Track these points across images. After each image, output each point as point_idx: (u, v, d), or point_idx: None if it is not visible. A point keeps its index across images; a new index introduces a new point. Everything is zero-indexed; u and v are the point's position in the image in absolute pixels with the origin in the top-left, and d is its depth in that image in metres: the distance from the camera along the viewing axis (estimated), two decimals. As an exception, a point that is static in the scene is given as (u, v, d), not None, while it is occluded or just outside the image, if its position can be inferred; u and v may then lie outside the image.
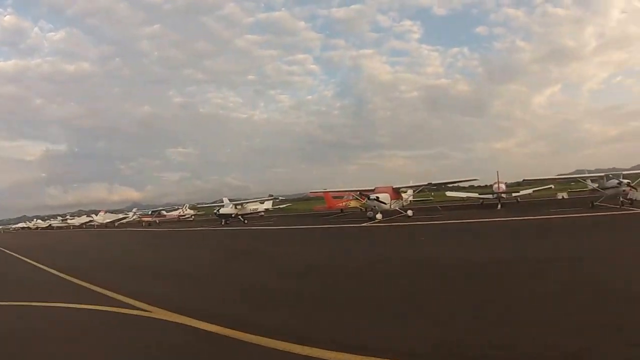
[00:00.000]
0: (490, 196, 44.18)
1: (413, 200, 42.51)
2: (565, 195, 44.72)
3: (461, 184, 46.77)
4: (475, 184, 65.97)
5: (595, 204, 30.78)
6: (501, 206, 39.50)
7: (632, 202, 29.20)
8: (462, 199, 49.92)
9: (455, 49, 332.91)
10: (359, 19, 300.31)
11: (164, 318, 7.59)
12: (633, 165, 42.47)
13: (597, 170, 40.47)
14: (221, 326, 6.63)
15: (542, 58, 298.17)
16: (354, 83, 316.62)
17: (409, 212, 32.66)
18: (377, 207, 31.73)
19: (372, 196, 31.75)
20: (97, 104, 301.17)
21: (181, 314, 7.60)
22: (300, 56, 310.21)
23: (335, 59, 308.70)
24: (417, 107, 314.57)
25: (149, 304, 8.63)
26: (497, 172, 42.68)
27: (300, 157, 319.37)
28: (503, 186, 43.74)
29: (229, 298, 9.53)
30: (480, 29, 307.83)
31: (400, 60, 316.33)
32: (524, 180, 40.93)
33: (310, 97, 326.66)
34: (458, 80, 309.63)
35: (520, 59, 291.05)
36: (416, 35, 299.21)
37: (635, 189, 29.86)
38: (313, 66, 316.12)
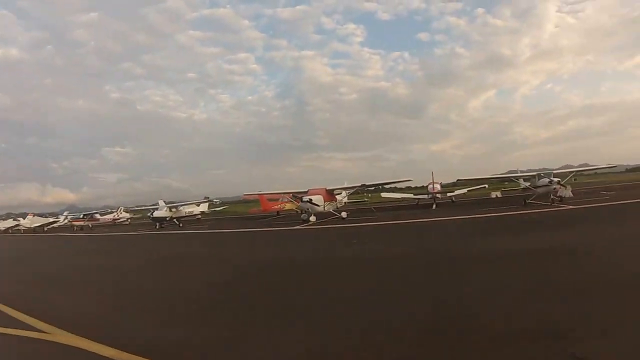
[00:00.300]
0: (425, 196, 45.18)
1: (348, 202, 42.41)
2: (498, 194, 46.46)
3: (397, 185, 47.28)
4: (412, 184, 67.46)
5: (527, 201, 32.64)
6: (436, 206, 40.49)
7: (562, 199, 31.06)
8: (398, 199, 50.50)
9: (397, 53, 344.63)
10: (303, 20, 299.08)
11: (63, 341, 6.86)
12: (561, 165, 45.43)
13: (528, 171, 42.47)
14: (120, 350, 6.12)
15: (480, 65, 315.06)
16: (295, 84, 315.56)
17: (343, 214, 32.82)
18: (310, 210, 31.57)
19: (305, 198, 31.63)
20: (27, 95, 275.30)
21: (83, 336, 6.89)
22: (242, 55, 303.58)
23: (277, 60, 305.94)
24: (357, 110, 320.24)
25: (50, 324, 7.81)
26: (432, 172, 43.84)
27: (240, 158, 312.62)
28: (438, 186, 45.02)
29: (140, 311, 9.02)
30: (422, 35, 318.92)
31: (342, 63, 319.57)
32: (458, 180, 42.29)
33: (250, 97, 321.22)
34: (398, 84, 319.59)
35: (458, 64, 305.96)
36: (359, 39, 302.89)
37: (565, 187, 31.86)
38: (254, 66, 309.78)
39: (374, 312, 7.40)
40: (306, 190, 33.70)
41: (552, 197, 31.35)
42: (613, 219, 20.66)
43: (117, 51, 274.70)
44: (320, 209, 32.00)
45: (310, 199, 31.43)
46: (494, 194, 46.92)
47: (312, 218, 31.20)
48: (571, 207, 27.39)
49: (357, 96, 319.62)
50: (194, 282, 12.31)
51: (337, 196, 36.62)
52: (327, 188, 34.49)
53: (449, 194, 46.93)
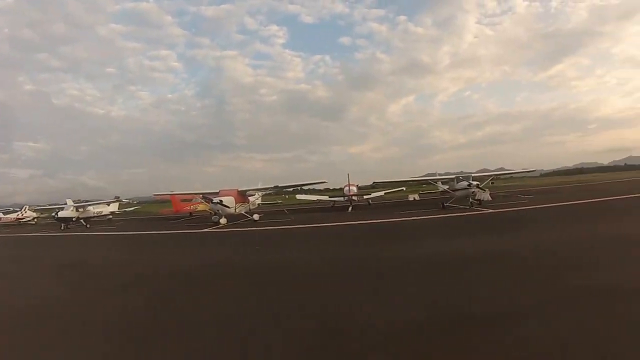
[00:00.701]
0: (341, 199, 43.16)
1: (262, 204, 39.74)
2: (416, 197, 45.33)
3: (315, 187, 46.67)
4: (331, 186, 65.69)
5: (446, 204, 30.70)
6: (352, 209, 38.54)
7: (481, 202, 30.27)
8: (314, 201, 48.11)
9: (318, 56, 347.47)
10: (227, 19, 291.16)
11: None
12: (478, 169, 44.64)
13: (446, 174, 41.50)
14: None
15: (400, 70, 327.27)
16: (216, 83, 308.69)
17: (255, 216, 30.96)
18: (221, 211, 29.70)
19: (216, 200, 29.78)
20: None
21: None
22: (164, 52, 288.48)
23: (198, 58, 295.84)
24: (277, 111, 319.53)
25: None
26: (348, 174, 42.74)
27: (159, 157, 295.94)
28: (354, 189, 43.24)
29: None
30: (344, 39, 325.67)
31: (263, 64, 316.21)
32: (374, 183, 40.30)
33: (171, 95, 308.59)
34: (318, 87, 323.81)
35: (379, 69, 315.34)
36: (281, 40, 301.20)
37: (483, 190, 30.57)
38: (176, 63, 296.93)
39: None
40: (217, 191, 31.75)
41: (470, 200, 29.69)
42: (534, 223, 19.25)
43: (33, 41, 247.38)
44: (232, 210, 30.28)
45: (221, 201, 29.67)
46: (411, 197, 45.94)
47: (223, 220, 29.31)
48: (490, 210, 25.97)
49: (278, 97, 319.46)
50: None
51: (250, 197, 34.42)
52: (239, 189, 32.54)
53: (365, 197, 44.61)
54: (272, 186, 34.96)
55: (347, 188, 42.40)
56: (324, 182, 34.32)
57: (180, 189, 41.04)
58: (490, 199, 33.59)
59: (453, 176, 33.34)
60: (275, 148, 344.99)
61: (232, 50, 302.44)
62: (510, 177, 65.56)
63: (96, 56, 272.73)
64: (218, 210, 29.81)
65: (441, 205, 30.73)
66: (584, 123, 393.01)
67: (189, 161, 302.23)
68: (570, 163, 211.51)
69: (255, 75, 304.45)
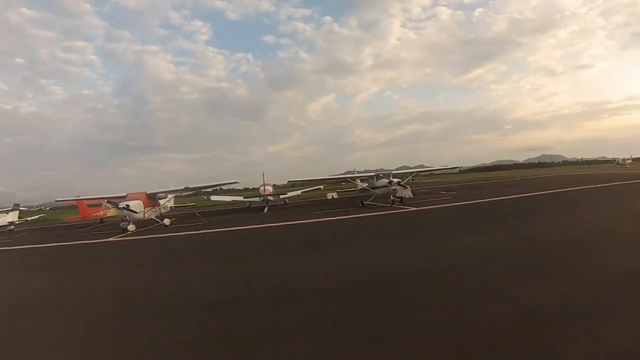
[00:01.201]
0: (257, 199, 40.22)
1: (175, 207, 36.04)
2: (335, 195, 42.90)
3: (233, 187, 43.50)
4: (250, 186, 62.47)
5: (365, 203, 28.43)
6: (268, 209, 35.76)
7: (402, 200, 28.23)
8: (229, 202, 45.07)
9: (241, 54, 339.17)
10: (149, 12, 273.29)
11: None
12: (398, 166, 42.73)
13: (366, 171, 39.66)
14: None
15: (322, 70, 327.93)
16: (135, 80, 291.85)
17: (166, 221, 27.89)
18: (128, 217, 26.68)
19: (122, 204, 26.56)
20: None
21: None
22: (80, 43, 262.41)
23: (118, 52, 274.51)
24: (197, 110, 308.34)
25: None
26: (263, 173, 40.08)
27: (74, 159, 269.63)
28: (270, 188, 40.68)
29: None
30: (269, 38, 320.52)
31: (185, 61, 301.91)
32: (288, 181, 37.12)
33: (87, 91, 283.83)
34: (239, 85, 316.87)
35: (301, 69, 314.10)
36: (205, 37, 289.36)
37: (405, 187, 28.62)
38: (93, 57, 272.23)
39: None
40: (125, 194, 28.60)
41: (392, 198, 27.43)
42: (461, 223, 16.94)
43: None
44: (140, 215, 27.27)
45: (127, 205, 26.45)
46: (330, 195, 43.35)
47: (131, 227, 26.29)
48: (413, 208, 23.68)
49: (199, 96, 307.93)
50: None
51: (160, 201, 30.68)
52: (148, 192, 29.09)
53: (281, 196, 41.74)
54: (183, 187, 31.39)
55: (262, 188, 39.79)
56: (236, 182, 30.88)
57: (96, 192, 35.54)
58: (411, 195, 32.19)
59: (372, 174, 30.59)
60: (195, 148, 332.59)
61: (154, 45, 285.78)
62: (431, 173, 64.68)
63: (3, 44, 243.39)
64: (125, 216, 26.76)
65: (360, 204, 28.37)
66: (502, 124, 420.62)
67: (106, 163, 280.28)
68: (488, 160, 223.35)
69: (177, 73, 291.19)
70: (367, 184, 31.42)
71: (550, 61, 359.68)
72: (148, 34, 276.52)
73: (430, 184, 58.55)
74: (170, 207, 33.69)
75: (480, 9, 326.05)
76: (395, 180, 27.08)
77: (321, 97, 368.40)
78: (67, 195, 39.43)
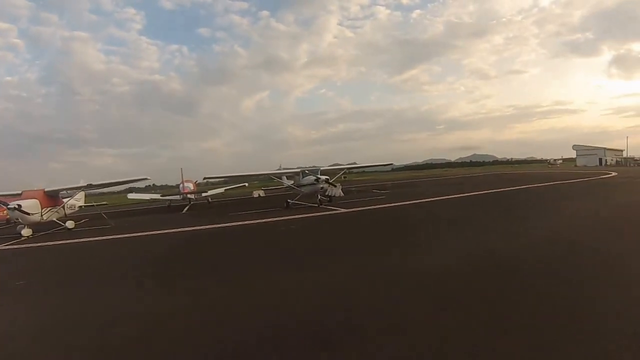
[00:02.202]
0: (178, 197, 36.44)
1: (85, 207, 30.84)
2: (261, 193, 39.32)
3: (147, 184, 40.11)
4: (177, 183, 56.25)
5: (291, 202, 25.16)
6: (189, 209, 32.49)
7: (331, 199, 25.85)
8: (147, 201, 40.93)
9: (175, 46, 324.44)
10: None
11: None
12: (331, 164, 39.85)
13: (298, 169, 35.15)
14: None
15: (256, 65, 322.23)
16: (63, 68, 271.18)
17: (69, 224, 23.79)
18: (21, 220, 22.21)
19: (12, 204, 22.00)
20: None
21: None
22: (3, 25, 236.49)
23: (44, 37, 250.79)
24: (129, 103, 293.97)
25: None
26: (181, 169, 35.64)
27: None
28: (190, 186, 36.66)
29: None
30: (204, 30, 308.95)
31: (117, 50, 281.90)
32: (204, 178, 33.20)
33: (10, 78, 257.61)
34: (172, 78, 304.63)
35: (235, 64, 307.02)
36: (138, 26, 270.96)
37: (335, 185, 25.89)
38: (17, 40, 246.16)
39: None
40: (20, 192, 23.87)
41: (319, 197, 24.36)
42: (394, 228, 14.37)
43: None
44: (36, 218, 22.59)
45: (19, 205, 21.80)
46: (256, 194, 40.30)
47: (26, 231, 21.91)
48: (342, 210, 20.83)
49: (130, 88, 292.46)
50: None
51: (65, 200, 25.97)
52: (46, 189, 24.29)
53: (203, 194, 38.04)
54: (85, 185, 26.43)
55: (181, 185, 35.66)
56: (147, 178, 26.10)
57: (19, 188, 29.27)
58: (342, 194, 29.71)
59: (297, 169, 27.23)
60: (126, 143, 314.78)
61: (84, 31, 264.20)
62: (363, 171, 62.54)
63: None
64: (17, 219, 22.32)
65: (285, 205, 25.03)
66: (434, 123, 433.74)
67: (30, 156, 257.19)
68: (420, 159, 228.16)
69: (107, 63, 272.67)
70: (293, 182, 28.25)
71: (484, 65, 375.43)
72: (77, 19, 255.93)
73: (362, 182, 56.20)
74: (80, 206, 29.37)
75: (418, 11, 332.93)
76: (323, 177, 23.96)
77: (255, 94, 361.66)
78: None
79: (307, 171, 25.65)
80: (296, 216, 19.31)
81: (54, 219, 24.28)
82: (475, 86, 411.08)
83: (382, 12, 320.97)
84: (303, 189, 25.33)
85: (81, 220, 24.87)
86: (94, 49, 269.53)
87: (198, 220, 21.88)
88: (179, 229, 18.30)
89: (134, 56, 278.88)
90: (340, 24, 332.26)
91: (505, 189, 27.30)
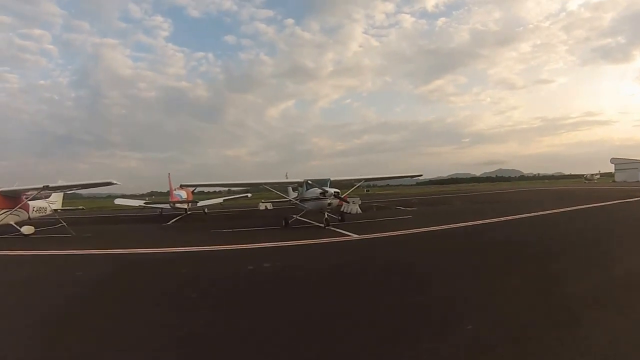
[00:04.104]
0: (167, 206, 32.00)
1: (61, 210, 27.02)
2: (269, 205, 34.28)
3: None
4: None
5: (291, 221, 20.00)
6: (178, 220, 27.95)
7: (343, 217, 20.99)
8: (135, 208, 37.00)
9: (201, 54, 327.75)
10: (109, 3, 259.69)
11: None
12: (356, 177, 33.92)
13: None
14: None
15: (282, 74, 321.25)
16: (92, 73, 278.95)
17: (25, 229, 20.39)
18: None
19: None
20: None
21: None
22: (38, 31, 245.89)
23: (76, 43, 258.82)
24: (155, 108, 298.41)
25: None
26: (169, 174, 31.61)
27: (26, 150, 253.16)
28: (183, 194, 31.78)
29: None
30: (229, 38, 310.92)
31: (144, 57, 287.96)
32: (180, 186, 29.36)
33: (43, 81, 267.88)
34: (198, 85, 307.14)
35: (261, 71, 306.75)
36: (165, 33, 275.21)
37: (346, 201, 21.11)
38: (51, 46, 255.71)
39: None
40: None
41: (326, 216, 18.70)
42: (434, 279, 8.24)
43: None
44: None
45: None
46: (263, 206, 34.53)
47: None
48: (353, 236, 15.03)
49: (156, 94, 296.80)
50: None
51: (31, 202, 22.88)
52: (2, 189, 21.46)
53: (199, 204, 33.12)
54: (42, 186, 22.50)
55: (175, 192, 31.25)
56: (113, 183, 20.91)
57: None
58: (360, 211, 24.71)
59: (300, 180, 21.64)
60: (151, 147, 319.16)
61: (113, 38, 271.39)
62: (387, 184, 56.65)
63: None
64: None
65: (283, 223, 19.76)
66: (459, 136, 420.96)
67: (59, 156, 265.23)
68: (445, 173, 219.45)
69: (135, 68, 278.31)
70: (297, 194, 23.03)
71: (511, 74, 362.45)
72: (107, 27, 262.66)
73: (385, 196, 50.50)
74: (55, 209, 25.63)
75: (443, 19, 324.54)
76: (332, 191, 18.48)
77: (280, 102, 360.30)
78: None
79: (310, 182, 20.22)
80: (287, 243, 13.80)
81: (12, 223, 21.01)
82: (501, 97, 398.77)
83: (408, 20, 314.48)
84: (306, 205, 19.99)
85: (58, 225, 21.34)
86: (122, 55, 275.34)
87: (165, 238, 18.06)
88: (125, 251, 13.67)
89: (161, 62, 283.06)
90: (365, 32, 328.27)
91: (568, 209, 21.36)
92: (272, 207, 33.34)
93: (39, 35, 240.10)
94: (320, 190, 18.59)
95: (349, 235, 14.97)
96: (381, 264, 10.28)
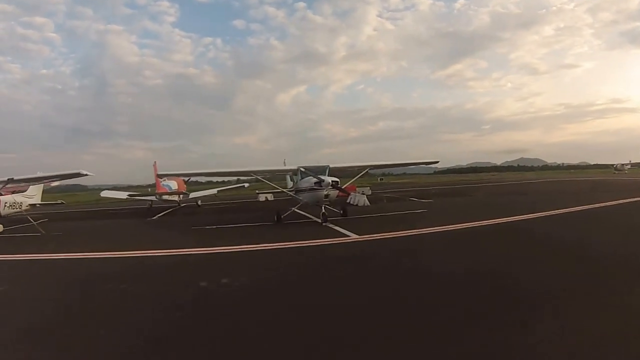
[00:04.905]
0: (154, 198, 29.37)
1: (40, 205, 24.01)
2: (269, 197, 31.49)
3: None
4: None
5: (284, 216, 16.72)
6: (166, 214, 25.03)
7: (346, 212, 17.21)
8: (122, 200, 34.10)
9: (209, 39, 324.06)
10: None
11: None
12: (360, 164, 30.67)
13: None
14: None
15: (293, 59, 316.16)
16: (97, 61, 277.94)
17: None
18: None
19: None
20: None
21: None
22: (40, 19, 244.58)
23: (79, 30, 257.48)
24: (161, 96, 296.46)
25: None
26: (155, 162, 28.28)
27: (29, 142, 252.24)
28: (173, 184, 28.68)
29: None
30: (238, 22, 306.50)
31: (150, 43, 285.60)
32: (157, 175, 26.06)
33: (46, 71, 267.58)
34: (206, 72, 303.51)
35: (271, 57, 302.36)
36: (171, 19, 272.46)
37: (346, 192, 18.14)
38: (53, 35, 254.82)
39: None
40: None
41: (323, 210, 15.45)
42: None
43: None
44: None
45: None
46: (263, 197, 31.45)
47: None
48: (354, 236, 11.97)
49: (163, 81, 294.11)
50: None
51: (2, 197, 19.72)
52: None
53: (192, 195, 30.26)
54: (6, 179, 19.95)
55: (163, 183, 27.94)
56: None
57: None
58: (367, 204, 22.49)
59: (294, 167, 18.39)
60: (158, 136, 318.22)
61: (118, 25, 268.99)
62: (404, 172, 53.24)
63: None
64: None
65: (275, 217, 16.65)
66: (479, 123, 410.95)
67: (64, 147, 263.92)
68: (464, 162, 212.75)
69: (141, 55, 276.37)
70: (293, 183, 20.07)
71: (533, 59, 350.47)
72: (112, 13, 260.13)
73: (399, 186, 47.01)
74: (34, 204, 22.88)
75: (462, 1, 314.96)
76: (328, 180, 15.20)
77: (291, 88, 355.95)
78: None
79: (303, 169, 17.09)
80: (268, 246, 10.83)
81: None
82: (523, 82, 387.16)
83: (424, 3, 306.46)
84: (301, 197, 16.89)
85: (38, 220, 19.40)
86: (128, 42, 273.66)
87: (136, 237, 15.37)
88: (77, 255, 11.26)
89: (167, 49, 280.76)
90: (379, 15, 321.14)
91: (614, 202, 17.66)
92: (272, 199, 30.43)
93: (41, 24, 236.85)
94: (315, 180, 15.44)
95: (348, 236, 11.87)
96: (378, 282, 7.08)
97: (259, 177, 19.68)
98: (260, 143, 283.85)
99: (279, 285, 7.31)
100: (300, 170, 17.13)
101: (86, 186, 77.77)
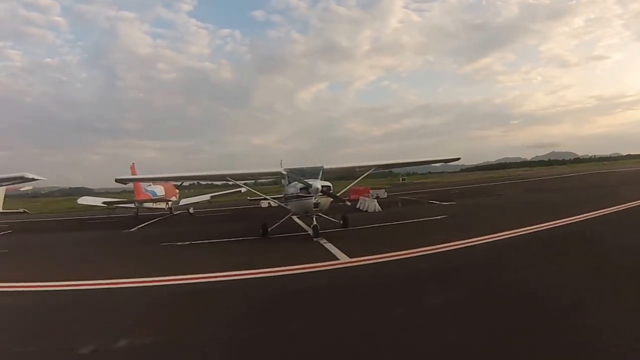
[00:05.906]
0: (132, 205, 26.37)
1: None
2: (272, 203, 27.66)
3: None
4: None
5: (270, 229, 13.86)
6: (151, 223, 22.64)
7: (346, 223, 14.21)
8: (104, 208, 30.16)
9: (227, 31, 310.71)
10: None
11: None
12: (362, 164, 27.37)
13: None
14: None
15: (314, 53, 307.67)
16: (106, 51, 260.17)
17: None
18: None
19: None
20: None
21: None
22: (45, 1, 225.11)
23: (88, 16, 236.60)
24: (175, 91, 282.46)
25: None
26: (133, 164, 24.74)
27: (30, 138, 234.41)
28: (159, 189, 26.05)
29: None
30: (258, 13, 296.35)
31: (164, 33, 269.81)
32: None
33: (50, 59, 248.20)
34: (223, 66, 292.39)
35: (292, 50, 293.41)
36: (188, 7, 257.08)
37: (341, 199, 14.24)
38: (59, 19, 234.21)
39: None
40: None
41: (314, 222, 12.58)
42: None
43: None
44: None
45: None
46: (265, 203, 28.33)
47: None
48: (344, 260, 8.90)
49: (177, 75, 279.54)
50: None
51: None
52: None
53: (182, 202, 28.15)
54: None
55: (148, 189, 25.39)
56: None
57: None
58: (378, 209, 20.21)
59: (280, 170, 14.85)
60: (170, 135, 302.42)
61: (130, 11, 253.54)
62: (429, 172, 49.60)
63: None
64: None
65: (261, 230, 13.81)
66: (508, 118, 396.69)
67: (68, 146, 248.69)
68: (492, 158, 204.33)
69: (154, 47, 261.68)
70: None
71: (563, 51, 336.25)
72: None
73: (422, 186, 43.50)
74: None
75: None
76: (317, 185, 12.12)
77: (312, 85, 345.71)
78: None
79: (288, 173, 13.95)
80: (230, 276, 8.01)
81: None
82: (553, 75, 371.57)
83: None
84: (289, 205, 13.89)
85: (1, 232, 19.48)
86: (140, 31, 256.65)
87: (85, 259, 12.20)
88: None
89: (183, 40, 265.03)
90: (405, 6, 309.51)
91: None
92: (276, 205, 27.58)
93: (46, 6, 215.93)
94: (301, 185, 12.45)
95: (336, 259, 8.88)
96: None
97: (237, 183, 16.56)
98: (278, 143, 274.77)
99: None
100: (288, 175, 13.95)
101: (92, 189, 75.62)
